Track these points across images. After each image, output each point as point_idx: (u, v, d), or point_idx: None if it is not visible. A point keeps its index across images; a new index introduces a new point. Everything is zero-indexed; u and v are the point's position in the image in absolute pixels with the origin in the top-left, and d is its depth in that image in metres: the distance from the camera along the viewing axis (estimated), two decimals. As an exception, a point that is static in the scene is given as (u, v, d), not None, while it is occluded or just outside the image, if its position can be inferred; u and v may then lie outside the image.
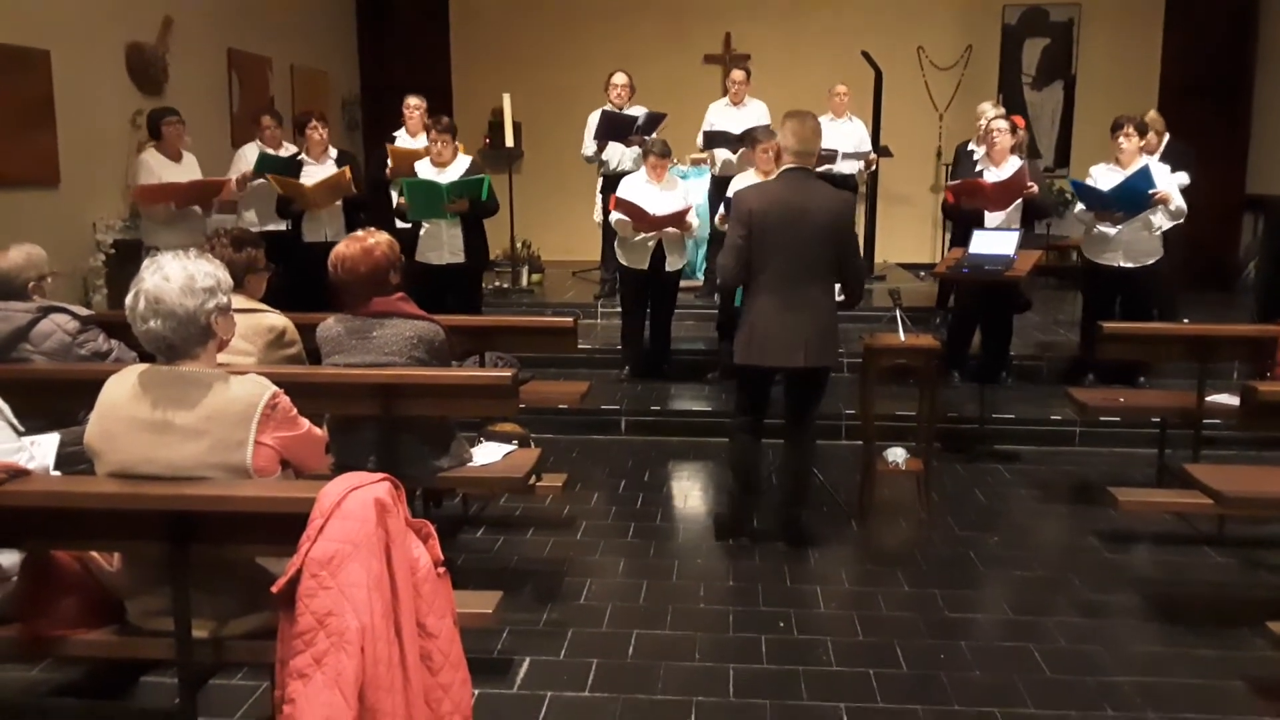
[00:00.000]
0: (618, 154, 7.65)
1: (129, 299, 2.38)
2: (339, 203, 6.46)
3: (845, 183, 8.14)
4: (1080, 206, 6.08)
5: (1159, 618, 3.78)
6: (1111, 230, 5.97)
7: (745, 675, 3.34)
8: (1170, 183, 5.93)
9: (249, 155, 6.81)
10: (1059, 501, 5.06)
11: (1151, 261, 6.05)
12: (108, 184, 6.53)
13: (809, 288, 4.17)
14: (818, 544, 4.43)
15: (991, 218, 6.01)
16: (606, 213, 7.06)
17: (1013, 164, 6.05)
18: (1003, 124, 6.12)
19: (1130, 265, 6.05)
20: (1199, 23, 10.14)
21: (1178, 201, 5.86)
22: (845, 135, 8.19)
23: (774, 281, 4.17)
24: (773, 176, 4.50)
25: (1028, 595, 3.97)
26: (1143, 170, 5.79)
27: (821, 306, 4.20)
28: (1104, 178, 6.00)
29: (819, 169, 7.88)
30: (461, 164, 6.11)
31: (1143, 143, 6.05)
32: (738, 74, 7.95)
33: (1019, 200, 5.94)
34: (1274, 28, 9.90)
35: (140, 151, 6.40)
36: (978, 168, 6.22)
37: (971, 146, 7.52)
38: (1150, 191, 5.75)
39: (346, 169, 6.34)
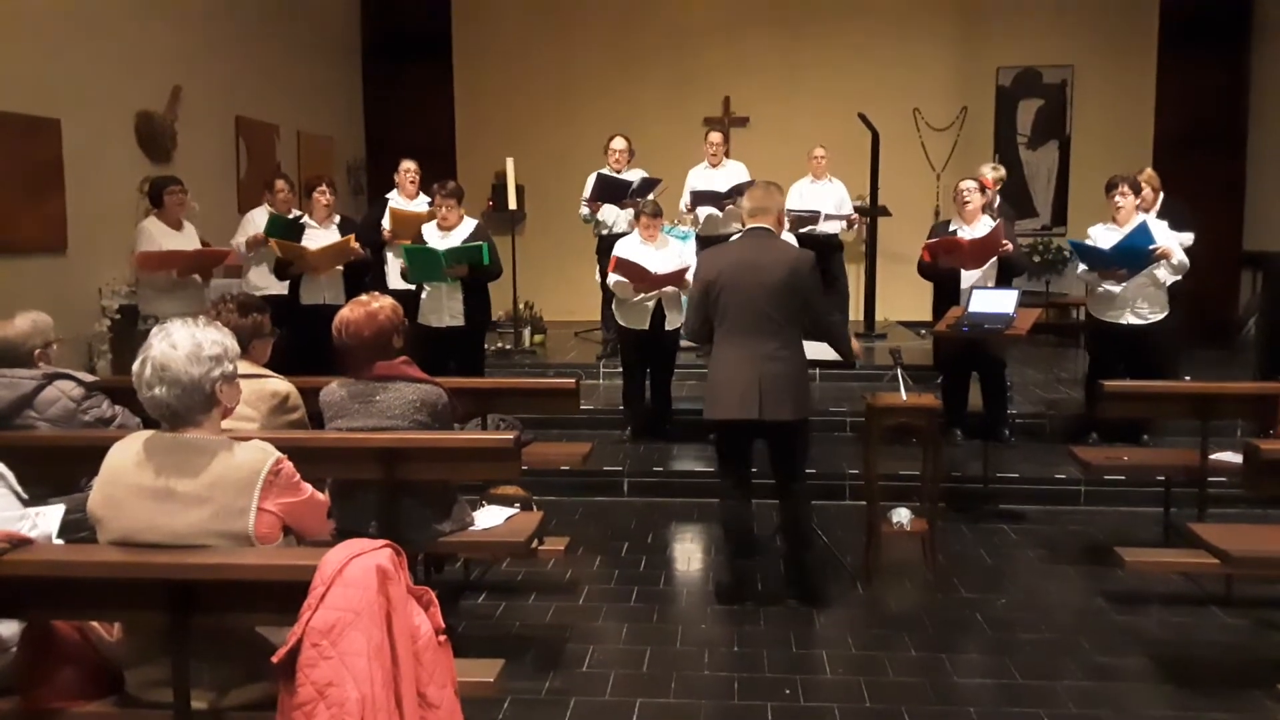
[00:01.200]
0: (613, 215, 7.74)
1: (136, 365, 2.40)
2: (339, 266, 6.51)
3: (829, 242, 8.28)
4: (1082, 267, 6.13)
5: (1169, 680, 3.73)
6: (1117, 288, 6.01)
7: (751, 743, 3.29)
8: (1170, 238, 5.99)
9: (258, 219, 6.89)
10: (1065, 562, 5.02)
11: (1159, 318, 6.08)
12: (114, 250, 6.59)
13: (766, 342, 4.23)
14: (823, 607, 4.39)
15: (967, 276, 6.09)
16: (605, 274, 7.13)
17: (985, 223, 6.18)
18: (972, 184, 6.27)
19: (1138, 322, 6.07)
20: (1191, 79, 10.29)
21: (1179, 256, 5.91)
22: (826, 196, 8.37)
23: (729, 335, 4.30)
24: (735, 237, 4.66)
25: (1036, 659, 3.92)
26: (1141, 227, 5.85)
27: (780, 360, 4.24)
28: (1103, 237, 6.06)
29: (802, 230, 8.06)
30: (467, 227, 6.17)
31: (1139, 200, 6.12)
32: (715, 136, 8.13)
33: (994, 259, 6.04)
34: (1266, 83, 10.06)
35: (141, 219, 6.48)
36: (950, 227, 6.31)
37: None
38: (1151, 247, 5.80)
39: (351, 236, 6.39)
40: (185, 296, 6.10)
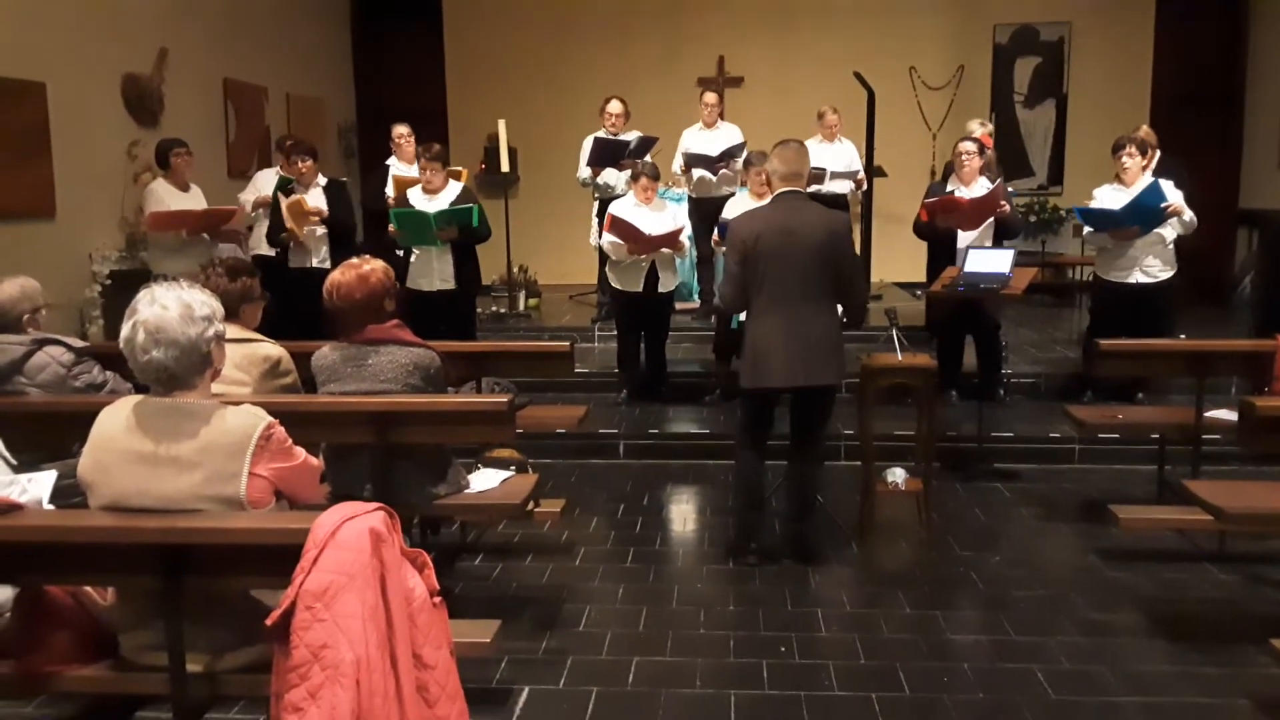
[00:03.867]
0: (613, 177, 7.67)
1: (125, 331, 2.37)
2: (323, 230, 6.46)
3: (837, 202, 8.17)
4: (1088, 230, 6.09)
5: (1162, 636, 3.76)
6: (1128, 247, 5.98)
7: (747, 701, 3.31)
8: (1177, 195, 5.96)
9: (265, 180, 6.92)
10: (1059, 520, 5.04)
11: (1166, 276, 6.06)
12: (104, 215, 6.55)
13: (806, 307, 4.20)
14: (818, 565, 4.41)
15: (964, 236, 6.06)
16: (602, 236, 7.09)
17: (981, 184, 6.15)
18: (970, 145, 6.20)
19: (1147, 281, 6.04)
20: (1189, 38, 10.21)
21: (1189, 213, 5.88)
22: (836, 156, 8.24)
23: (771, 304, 4.22)
24: (765, 201, 4.55)
25: (1030, 615, 3.94)
26: (1153, 185, 5.80)
27: (819, 324, 4.22)
28: (1110, 198, 6.02)
29: (809, 189, 7.98)
30: (453, 190, 6.13)
31: (1144, 161, 6.07)
32: (710, 96, 7.99)
33: (991, 219, 6.01)
34: (1263, 41, 9.97)
35: (139, 181, 6.46)
36: (948, 187, 6.27)
37: None
38: (1163, 205, 5.77)
39: (300, 198, 6.37)
40: (194, 255, 6.11)
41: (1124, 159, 5.99)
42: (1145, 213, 5.81)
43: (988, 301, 5.63)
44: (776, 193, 4.36)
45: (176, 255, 6.15)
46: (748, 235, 4.24)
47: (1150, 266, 6.03)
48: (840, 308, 4.43)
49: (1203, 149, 9.32)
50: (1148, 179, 5.95)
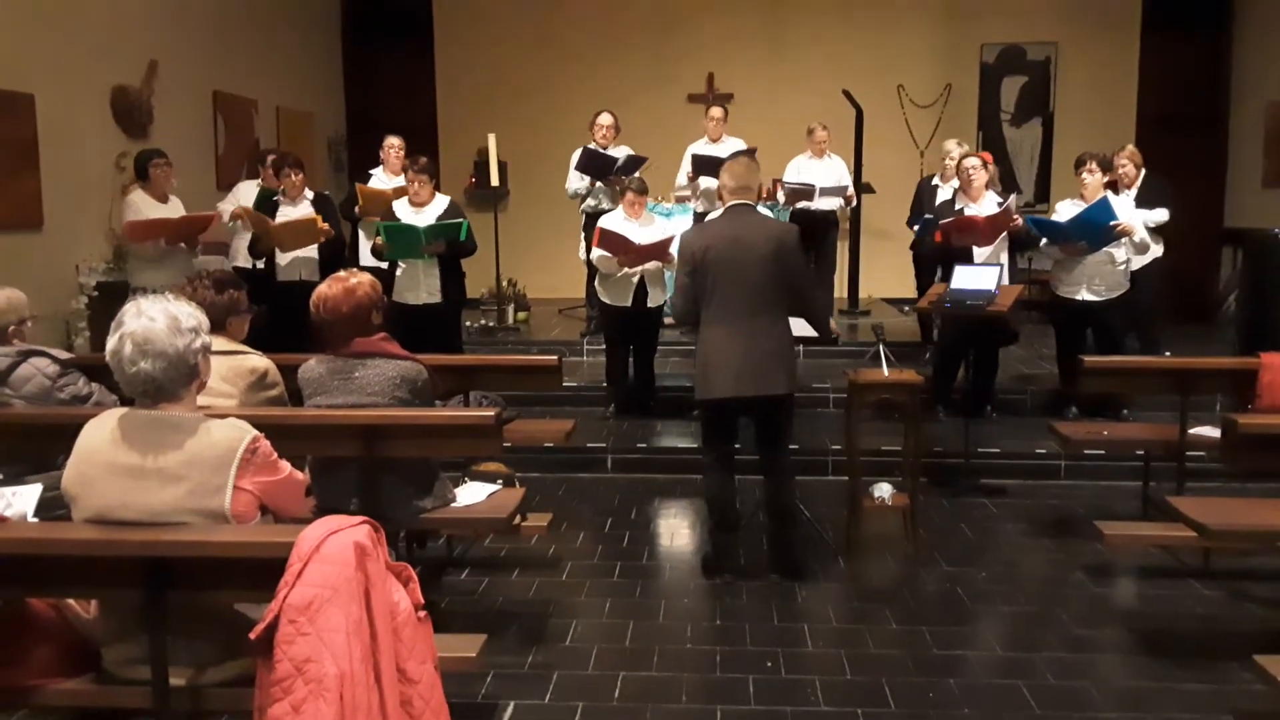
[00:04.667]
0: (598, 191, 7.69)
1: (112, 343, 2.37)
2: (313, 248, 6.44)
3: (825, 219, 8.22)
4: (1044, 240, 6.16)
5: (1147, 652, 3.77)
6: (1078, 263, 6.03)
7: (732, 717, 3.30)
8: (1135, 216, 6.00)
9: (245, 192, 6.89)
10: (1045, 535, 5.05)
11: (1116, 295, 6.11)
12: (91, 226, 6.53)
13: (754, 318, 4.23)
14: (805, 581, 4.41)
15: (979, 253, 6.10)
16: (590, 250, 7.10)
17: (990, 198, 6.18)
18: (975, 161, 6.25)
19: (1094, 299, 6.10)
20: (1174, 57, 10.32)
21: (1141, 234, 5.92)
22: (826, 172, 8.26)
23: (719, 315, 4.27)
24: (715, 215, 4.62)
25: (1016, 631, 3.95)
26: (1101, 202, 5.86)
27: (768, 335, 4.25)
28: (1069, 213, 6.08)
29: (797, 204, 8.02)
30: (440, 204, 6.15)
31: (1107, 178, 6.13)
32: (716, 111, 8.03)
33: (1004, 234, 6.07)
34: (1247, 61, 10.08)
35: (125, 193, 6.42)
36: (956, 205, 6.30)
37: (936, 182, 7.62)
38: (1111, 223, 5.81)
39: (317, 216, 6.33)
40: (174, 266, 6.09)
41: (1084, 175, 6.06)
42: (1093, 229, 5.85)
43: (1002, 317, 5.65)
44: (727, 205, 4.41)
45: (156, 267, 6.11)
46: (697, 247, 4.30)
47: (1097, 286, 6.08)
48: (803, 320, 4.48)
49: (1187, 168, 9.39)
50: (1101, 195, 6.00)
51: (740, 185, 4.38)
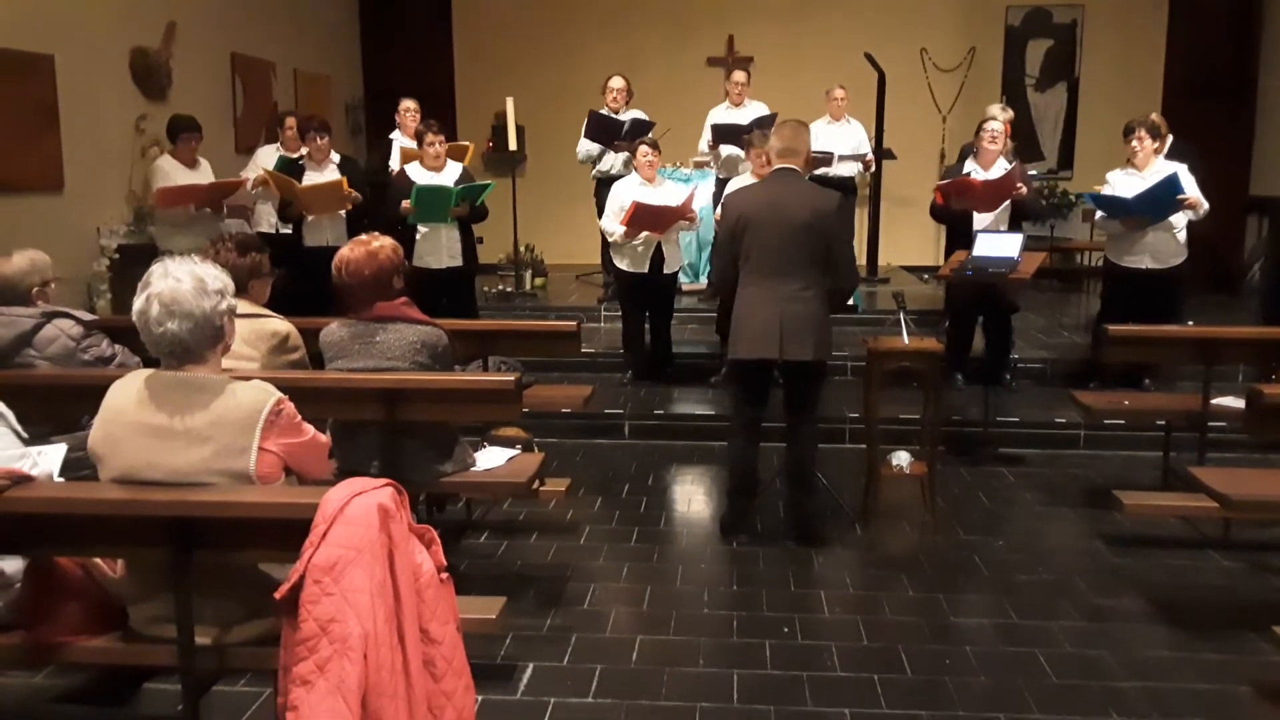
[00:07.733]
0: (609, 156, 7.64)
1: (138, 304, 2.38)
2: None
3: (843, 185, 8.12)
4: (1100, 214, 6.07)
5: (1165, 622, 3.77)
6: (1138, 234, 5.95)
7: (749, 681, 3.33)
8: (1195, 189, 5.91)
9: (265, 157, 6.90)
10: (1064, 505, 5.04)
11: (1178, 263, 6.03)
12: (112, 189, 6.54)
13: (789, 282, 4.22)
14: (822, 548, 4.42)
15: (980, 219, 6.04)
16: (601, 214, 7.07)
17: (1000, 166, 6.12)
18: (997, 125, 6.17)
19: (1157, 267, 6.01)
20: (1202, 23, 10.12)
21: (1206, 206, 5.85)
22: (844, 137, 8.16)
23: (756, 277, 4.28)
24: (745, 180, 4.60)
25: (1033, 599, 3.95)
26: (1172, 177, 5.76)
27: (802, 300, 4.23)
28: (1122, 182, 5.99)
29: (815, 171, 7.94)
30: (453, 170, 6.15)
31: (1155, 145, 6.04)
32: (739, 75, 7.94)
33: (1007, 202, 6.00)
34: (1276, 31, 9.88)
35: (146, 155, 6.46)
36: (965, 169, 6.24)
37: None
38: (1180, 197, 5.74)
39: (343, 179, 6.31)
40: (201, 230, 6.10)
41: (1134, 143, 5.97)
42: (1159, 203, 5.78)
43: (1003, 285, 5.61)
44: (772, 169, 4.40)
45: (183, 231, 6.16)
46: (738, 210, 4.32)
47: (1161, 253, 5.99)
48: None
49: (1213, 135, 9.23)
50: (1160, 164, 5.92)
51: (787, 148, 4.35)
